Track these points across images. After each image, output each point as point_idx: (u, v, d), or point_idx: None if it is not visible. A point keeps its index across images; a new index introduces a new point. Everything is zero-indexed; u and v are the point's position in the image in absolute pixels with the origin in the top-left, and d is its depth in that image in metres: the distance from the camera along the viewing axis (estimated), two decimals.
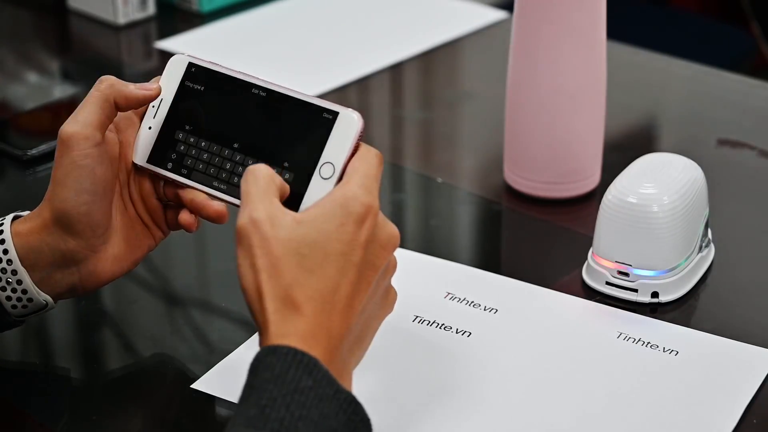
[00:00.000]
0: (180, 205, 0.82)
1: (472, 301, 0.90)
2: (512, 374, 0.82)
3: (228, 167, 0.79)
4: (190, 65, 0.82)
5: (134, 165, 0.82)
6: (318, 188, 0.75)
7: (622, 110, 1.19)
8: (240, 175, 0.77)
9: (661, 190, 0.88)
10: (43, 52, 1.42)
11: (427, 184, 1.09)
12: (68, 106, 1.24)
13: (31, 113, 1.22)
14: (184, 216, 0.81)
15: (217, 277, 0.97)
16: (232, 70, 0.81)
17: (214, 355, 0.86)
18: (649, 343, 0.85)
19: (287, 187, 0.74)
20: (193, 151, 0.80)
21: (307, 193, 0.75)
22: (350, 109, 0.76)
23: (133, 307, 0.93)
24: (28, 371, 0.86)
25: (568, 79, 0.99)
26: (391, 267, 0.73)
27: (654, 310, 0.89)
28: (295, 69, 1.29)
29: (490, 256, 1.01)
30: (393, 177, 1.10)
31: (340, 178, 0.74)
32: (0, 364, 0.86)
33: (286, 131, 0.78)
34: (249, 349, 0.85)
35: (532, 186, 1.03)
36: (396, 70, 1.30)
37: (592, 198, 1.04)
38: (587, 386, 0.81)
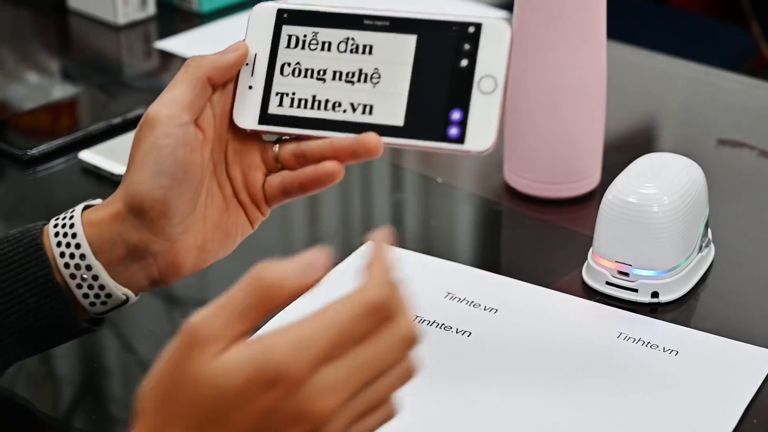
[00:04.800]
0: (293, 168, 0.74)
1: (472, 301, 0.90)
2: (512, 374, 0.82)
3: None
4: (281, 11, 0.75)
5: (235, 134, 0.75)
6: (481, 104, 0.70)
7: (622, 110, 1.19)
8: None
9: (661, 190, 0.88)
10: (43, 52, 1.42)
11: (427, 184, 1.09)
12: (68, 106, 1.24)
13: (31, 113, 1.22)
14: (328, 163, 0.72)
15: (217, 277, 0.97)
16: (332, 6, 0.74)
17: None
18: (649, 343, 0.85)
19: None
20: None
21: (470, 112, 0.70)
22: (492, 18, 0.71)
23: (133, 307, 0.92)
24: (27, 371, 0.86)
25: (569, 78, 0.99)
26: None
27: (654, 310, 0.89)
28: None
29: (490, 256, 1.01)
30: (393, 177, 1.10)
31: (505, 90, 0.70)
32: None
33: (421, 56, 0.72)
34: None
35: (532, 186, 1.03)
36: None
37: (592, 198, 1.03)
38: (587, 386, 0.81)
